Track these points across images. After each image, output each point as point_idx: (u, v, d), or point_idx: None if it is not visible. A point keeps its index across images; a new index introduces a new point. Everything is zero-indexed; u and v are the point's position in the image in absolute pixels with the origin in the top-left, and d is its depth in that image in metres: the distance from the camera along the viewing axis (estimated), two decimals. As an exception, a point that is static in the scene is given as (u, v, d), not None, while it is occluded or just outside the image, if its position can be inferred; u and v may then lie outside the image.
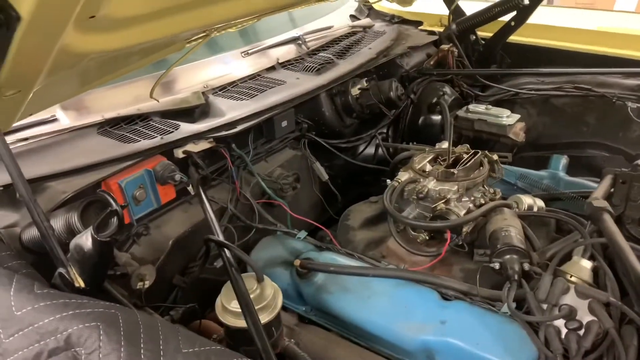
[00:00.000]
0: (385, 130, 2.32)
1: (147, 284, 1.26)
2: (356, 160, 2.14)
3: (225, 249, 1.12)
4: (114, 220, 0.87)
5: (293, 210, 1.69)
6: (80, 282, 0.76)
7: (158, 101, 1.47)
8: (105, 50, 0.92)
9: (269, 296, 1.07)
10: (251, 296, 1.03)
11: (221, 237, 1.21)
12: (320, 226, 1.64)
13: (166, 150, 1.44)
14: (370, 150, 2.23)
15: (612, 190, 1.36)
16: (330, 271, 1.34)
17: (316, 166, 1.88)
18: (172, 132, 1.49)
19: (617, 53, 2.25)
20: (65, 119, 1.48)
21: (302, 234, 1.55)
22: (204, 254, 1.36)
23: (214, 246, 1.23)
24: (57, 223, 0.95)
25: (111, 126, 1.52)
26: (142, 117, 1.58)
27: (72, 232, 0.92)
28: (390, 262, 1.42)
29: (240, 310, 1.01)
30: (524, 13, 2.30)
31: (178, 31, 1.05)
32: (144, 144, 1.42)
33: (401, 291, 1.28)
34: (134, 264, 1.27)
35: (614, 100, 2.09)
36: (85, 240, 0.77)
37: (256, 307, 1.03)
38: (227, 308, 1.05)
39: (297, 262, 1.36)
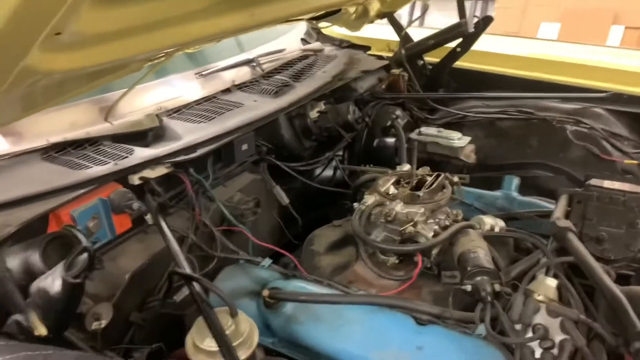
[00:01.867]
0: (341, 153, 2.32)
1: (104, 323, 1.16)
2: (314, 183, 2.11)
3: (194, 283, 1.04)
4: (84, 258, 0.78)
5: (253, 236, 1.63)
6: (41, 330, 0.67)
7: (112, 124, 1.38)
8: (70, 69, 0.85)
9: (245, 332, 1.00)
10: (226, 333, 0.97)
11: (187, 269, 1.13)
12: (285, 252, 1.59)
13: (121, 176, 1.34)
14: (328, 172, 2.22)
15: (568, 209, 1.43)
16: (302, 300, 1.29)
17: (276, 190, 1.83)
18: (127, 157, 1.40)
19: (554, 79, 2.40)
20: (3, 144, 1.34)
21: (267, 261, 1.49)
22: (167, 287, 1.27)
23: (176, 279, 1.16)
24: (13, 262, 0.84)
25: (57, 151, 1.40)
26: (92, 142, 1.47)
27: (31, 273, 0.81)
28: (359, 288, 1.40)
29: (215, 349, 0.94)
30: (469, 40, 2.41)
31: (145, 50, 0.99)
32: (96, 170, 1.32)
33: (375, 318, 1.25)
34: (88, 302, 1.16)
35: (554, 123, 2.21)
36: (52, 282, 0.68)
37: (233, 344, 0.96)
38: (200, 347, 0.97)
39: (265, 292, 1.30)
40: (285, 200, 1.84)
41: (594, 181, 1.43)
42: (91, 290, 1.24)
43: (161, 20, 0.95)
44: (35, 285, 0.70)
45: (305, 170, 2.04)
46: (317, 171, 2.19)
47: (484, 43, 2.56)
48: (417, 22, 8.01)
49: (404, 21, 2.71)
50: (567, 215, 1.41)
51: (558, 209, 1.37)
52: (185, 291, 1.31)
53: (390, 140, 2.25)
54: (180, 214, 1.53)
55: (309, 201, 2.12)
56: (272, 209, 1.89)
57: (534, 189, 2.14)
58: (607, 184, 1.41)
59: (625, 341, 0.94)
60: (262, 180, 1.81)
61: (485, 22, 2.34)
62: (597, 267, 1.07)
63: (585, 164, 2.13)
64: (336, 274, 1.55)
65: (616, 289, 1.00)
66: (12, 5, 0.51)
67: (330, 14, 2.15)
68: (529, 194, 1.99)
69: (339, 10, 2.14)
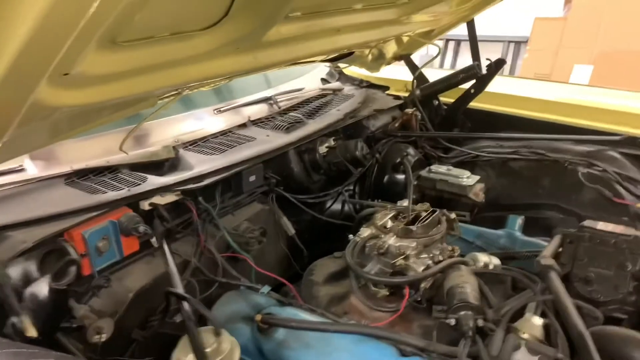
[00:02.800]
0: (352, 188, 2.39)
1: (104, 337, 1.24)
2: (323, 216, 2.18)
3: (184, 302, 1.12)
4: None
5: (259, 265, 1.70)
6: (32, 332, 0.76)
7: (127, 154, 1.50)
8: (78, 105, 0.96)
9: (226, 350, 1.07)
10: (208, 350, 1.03)
11: (181, 290, 1.21)
12: (284, 281, 1.65)
13: (132, 202, 1.46)
14: (338, 206, 2.28)
15: (560, 249, 1.44)
16: (292, 326, 1.34)
17: (283, 221, 1.91)
18: (140, 184, 1.52)
19: (567, 121, 2.41)
20: (32, 169, 1.49)
21: (266, 288, 1.55)
22: (165, 307, 1.35)
23: (174, 300, 1.23)
24: (15, 271, 0.95)
25: (79, 177, 1.54)
26: (111, 170, 1.60)
27: (28, 281, 0.92)
28: (352, 319, 1.44)
29: (195, 364, 1.00)
30: (482, 82, 2.47)
31: (150, 89, 1.10)
32: (110, 195, 1.44)
33: (361, 347, 1.29)
34: (92, 317, 1.25)
35: (566, 165, 2.22)
36: (41, 288, 0.77)
37: (213, 361, 1.03)
38: (183, 362, 1.04)
39: (258, 317, 1.36)
40: (291, 230, 1.91)
41: (587, 222, 1.44)
42: (96, 306, 1.34)
43: (165, 62, 1.06)
44: (28, 291, 0.79)
45: (315, 203, 2.12)
46: (327, 204, 2.25)
47: (502, 85, 2.63)
48: (440, 64, 8.13)
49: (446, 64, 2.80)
50: (559, 255, 1.42)
51: (549, 248, 1.39)
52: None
53: (400, 176, 2.31)
54: (187, 239, 1.62)
55: (317, 233, 2.18)
56: (280, 240, 1.96)
57: (545, 230, 2.14)
58: (601, 225, 1.42)
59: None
60: (270, 211, 1.89)
61: (497, 64, 2.40)
62: (570, 305, 1.08)
63: (597, 207, 2.11)
64: (333, 305, 1.59)
65: (582, 326, 1.01)
66: (17, 49, 0.62)
67: (343, 57, 2.27)
68: (539, 235, 1.99)
69: (352, 53, 2.25)
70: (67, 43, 0.67)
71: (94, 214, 1.35)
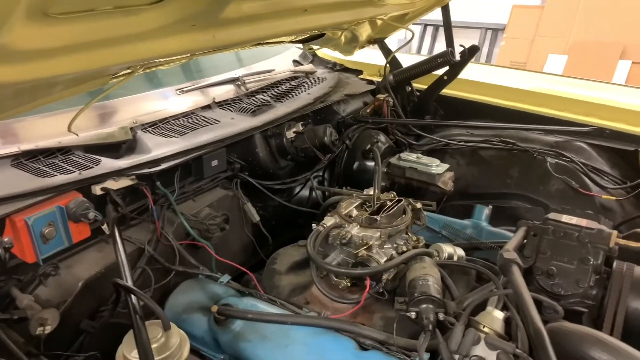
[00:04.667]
0: (321, 174, 2.34)
1: (49, 329, 1.17)
2: (290, 203, 2.13)
3: (132, 295, 1.06)
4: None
5: (221, 252, 1.64)
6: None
7: (77, 135, 1.42)
8: (11, 82, 0.88)
9: (174, 345, 1.02)
10: (155, 345, 0.98)
11: (129, 281, 1.15)
12: (245, 270, 1.60)
13: (83, 186, 1.38)
14: (305, 193, 2.24)
15: (524, 241, 1.42)
16: (248, 318, 1.30)
17: (247, 207, 1.85)
18: (92, 167, 1.44)
19: (538, 111, 2.41)
20: (-26, 149, 1.40)
21: (225, 278, 1.50)
22: (116, 297, 1.29)
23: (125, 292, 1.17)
24: None
25: (27, 158, 1.45)
26: (63, 151, 1.51)
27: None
28: (313, 309, 1.40)
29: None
30: (455, 68, 2.44)
31: (96, 67, 1.02)
32: (60, 178, 1.36)
33: (319, 340, 1.25)
34: (36, 307, 1.18)
35: (535, 155, 2.22)
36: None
37: (159, 357, 0.98)
38: (128, 358, 0.99)
39: (214, 308, 1.32)
40: (255, 217, 1.86)
41: (552, 215, 1.43)
42: (43, 296, 1.27)
43: (110, 39, 0.98)
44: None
45: (281, 189, 2.06)
46: (295, 191, 2.21)
47: (477, 72, 2.60)
48: (418, 49, 8.10)
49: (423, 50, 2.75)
50: (522, 248, 1.40)
51: (512, 241, 1.37)
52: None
53: (370, 163, 2.27)
54: (144, 226, 1.55)
55: (285, 220, 2.14)
56: (244, 226, 1.90)
57: (512, 220, 2.13)
58: (565, 218, 1.41)
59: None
60: (234, 197, 1.83)
61: (471, 51, 2.36)
62: (529, 300, 1.06)
63: (564, 198, 2.12)
64: (295, 294, 1.56)
65: (539, 323, 0.99)
66: None
67: (313, 38, 2.19)
68: (507, 224, 1.98)
69: (323, 34, 2.18)
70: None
71: (40, 198, 1.27)
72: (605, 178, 2.11)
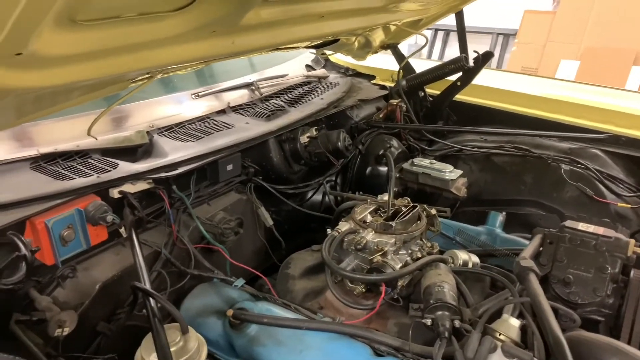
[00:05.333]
0: (334, 179, 2.34)
1: (67, 330, 1.18)
2: (303, 208, 2.13)
3: (150, 298, 1.07)
4: (22, 266, 0.82)
5: (235, 256, 1.65)
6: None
7: (96, 139, 1.44)
8: (36, 87, 0.90)
9: (192, 349, 1.02)
10: (173, 349, 0.99)
11: (147, 284, 1.16)
12: (259, 274, 1.61)
13: (101, 189, 1.39)
14: (318, 197, 2.24)
15: (540, 249, 1.41)
16: (263, 323, 1.30)
17: (261, 211, 1.86)
18: (110, 170, 1.45)
19: (552, 117, 2.39)
20: (-4, 151, 1.41)
21: (240, 281, 1.51)
22: (132, 300, 1.30)
23: (142, 293, 1.18)
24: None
25: (46, 161, 1.46)
26: (81, 154, 1.53)
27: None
28: (327, 314, 1.40)
29: (159, 363, 0.96)
30: (469, 74, 2.44)
31: (118, 72, 1.04)
32: (78, 182, 1.37)
33: (334, 345, 1.25)
34: (54, 309, 1.19)
35: (549, 162, 2.20)
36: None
37: (178, 360, 0.98)
38: (147, 361, 0.99)
39: (229, 313, 1.32)
40: (269, 222, 1.86)
41: (568, 222, 1.42)
42: (60, 298, 1.28)
43: (133, 45, 1.00)
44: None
45: (295, 194, 2.07)
46: (308, 195, 2.21)
47: (491, 79, 2.59)
48: (428, 54, 8.08)
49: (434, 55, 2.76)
50: (538, 255, 1.39)
51: (529, 248, 1.36)
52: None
53: (383, 168, 2.27)
54: (160, 229, 1.56)
55: (297, 225, 2.14)
56: (257, 230, 1.91)
57: (526, 227, 2.13)
58: (582, 226, 1.40)
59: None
60: (248, 201, 1.84)
61: (485, 57, 2.36)
62: (547, 309, 1.06)
63: (578, 205, 2.10)
64: (309, 299, 1.56)
65: (559, 332, 0.99)
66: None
67: (328, 44, 2.20)
68: (520, 231, 1.98)
69: (337, 40, 2.19)
70: (12, 18, 0.60)
71: (59, 201, 1.29)
72: (621, 186, 2.10)
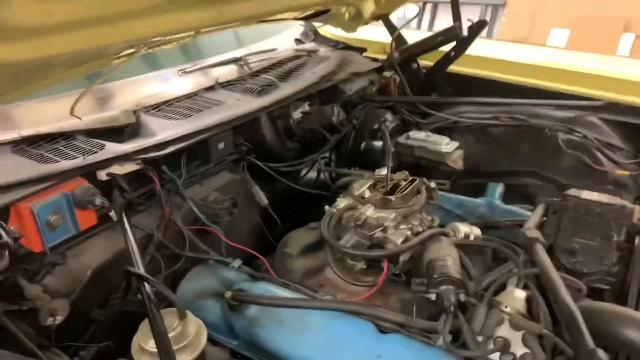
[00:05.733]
0: (328, 155, 2.29)
1: (59, 319, 1.14)
2: (298, 185, 2.09)
3: (145, 282, 1.02)
4: (5, 254, 0.77)
5: (230, 237, 1.61)
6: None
7: (80, 119, 1.37)
8: (9, 62, 0.83)
9: (192, 334, 0.98)
10: (171, 334, 0.95)
11: (141, 269, 1.12)
12: (256, 254, 1.57)
13: (88, 172, 1.33)
14: (313, 174, 2.19)
15: (544, 219, 1.38)
16: (263, 303, 1.27)
17: (255, 190, 1.81)
18: (96, 152, 1.39)
19: (548, 86, 2.35)
20: (-27, 136, 1.34)
21: (237, 262, 1.47)
22: (126, 285, 1.26)
23: (136, 278, 1.14)
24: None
25: (29, 145, 1.39)
26: (65, 136, 1.46)
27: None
28: (327, 292, 1.37)
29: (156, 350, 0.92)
30: (463, 44, 2.37)
31: (99, 45, 0.97)
32: (64, 164, 1.31)
33: (337, 324, 1.23)
34: (45, 298, 1.15)
35: (546, 131, 2.17)
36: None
37: (177, 346, 0.95)
38: (144, 348, 0.95)
39: (228, 294, 1.28)
40: (264, 201, 1.82)
41: (571, 191, 1.39)
42: (51, 285, 1.23)
43: (113, 14, 0.93)
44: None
45: (289, 171, 2.02)
46: (302, 173, 2.16)
47: (483, 48, 2.53)
48: (418, 25, 7.98)
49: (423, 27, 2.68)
50: (542, 225, 1.37)
51: (532, 218, 1.33)
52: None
53: (378, 143, 2.22)
54: (152, 211, 1.51)
55: (293, 203, 2.10)
56: (252, 210, 1.87)
57: (524, 198, 2.10)
58: (585, 194, 1.37)
59: (576, 358, 0.90)
60: (242, 180, 1.79)
61: (478, 26, 2.30)
62: (557, 280, 1.03)
63: (577, 174, 2.08)
64: (308, 278, 1.53)
65: (572, 304, 0.96)
66: None
67: (318, 14, 2.13)
68: (518, 202, 1.94)
69: (327, 10, 2.11)
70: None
71: (44, 185, 1.23)
72: (619, 153, 2.07)
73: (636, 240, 1.31)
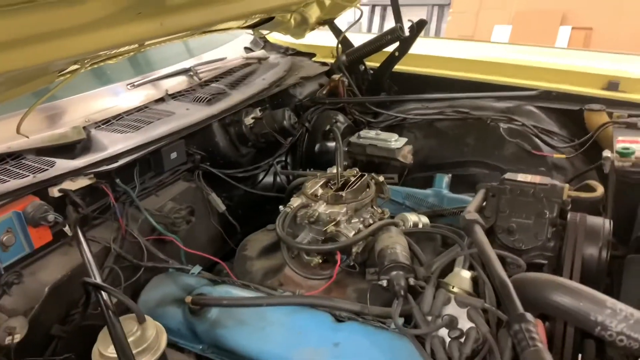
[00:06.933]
0: (284, 159, 2.34)
1: (18, 337, 1.14)
2: (256, 189, 2.12)
3: (102, 291, 1.04)
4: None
5: (190, 245, 1.63)
6: None
7: (27, 137, 1.37)
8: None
9: (151, 337, 1.01)
10: (131, 339, 0.97)
11: (98, 279, 1.13)
12: (215, 259, 1.60)
13: (39, 189, 1.34)
14: (270, 178, 2.23)
15: (484, 203, 1.48)
16: (224, 305, 1.30)
17: (212, 197, 1.83)
18: (47, 169, 1.39)
19: (489, 79, 2.48)
20: None
21: (196, 269, 1.50)
22: (85, 299, 1.26)
23: (94, 290, 1.15)
24: None
25: (-25, 166, 1.39)
26: (14, 156, 1.46)
27: None
28: (287, 290, 1.42)
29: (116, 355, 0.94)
30: (406, 44, 2.47)
31: (38, 63, 0.99)
32: (13, 183, 1.31)
33: (295, 317, 1.27)
34: (1, 317, 1.15)
35: (488, 122, 2.28)
36: None
37: (137, 350, 0.97)
38: (104, 354, 0.98)
39: (188, 299, 1.31)
40: (221, 207, 1.84)
41: (508, 175, 1.49)
42: (8, 305, 1.23)
43: (53, 31, 0.95)
44: None
45: (245, 177, 2.05)
46: (260, 177, 2.20)
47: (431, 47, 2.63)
48: (368, 29, 8.14)
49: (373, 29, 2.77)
50: (483, 209, 1.46)
51: (473, 203, 1.42)
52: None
53: (331, 144, 2.29)
54: (108, 225, 1.52)
55: (252, 208, 2.13)
56: (211, 217, 1.89)
57: (471, 186, 2.20)
58: (521, 177, 1.47)
59: (507, 324, 0.98)
60: (197, 189, 1.81)
61: (419, 25, 2.40)
62: (493, 256, 1.11)
63: (518, 160, 2.20)
64: (268, 278, 1.57)
65: (504, 274, 1.05)
66: None
67: (263, 22, 2.18)
68: (466, 192, 2.04)
69: (272, 18, 2.17)
70: None
71: (-6, 205, 1.23)
72: (555, 138, 2.20)
73: (568, 216, 1.41)
